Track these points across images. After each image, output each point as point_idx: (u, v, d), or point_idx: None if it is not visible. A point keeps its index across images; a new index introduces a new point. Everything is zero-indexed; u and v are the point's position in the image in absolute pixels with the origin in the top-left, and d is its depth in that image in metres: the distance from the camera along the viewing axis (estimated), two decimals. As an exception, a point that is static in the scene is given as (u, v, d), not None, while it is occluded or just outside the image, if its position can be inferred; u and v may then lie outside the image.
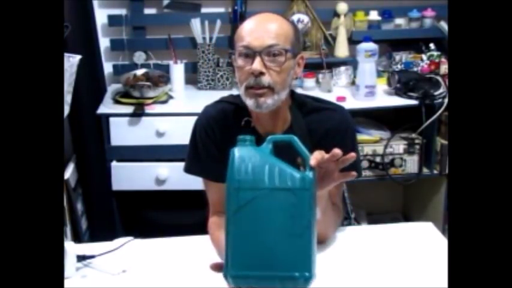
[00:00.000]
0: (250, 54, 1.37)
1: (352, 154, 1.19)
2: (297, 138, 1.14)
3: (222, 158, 1.51)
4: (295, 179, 1.10)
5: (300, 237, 1.09)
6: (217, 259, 1.30)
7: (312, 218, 1.10)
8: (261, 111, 1.42)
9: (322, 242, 1.46)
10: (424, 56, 2.69)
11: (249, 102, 1.41)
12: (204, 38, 2.64)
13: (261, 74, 1.37)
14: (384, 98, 2.54)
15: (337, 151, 1.17)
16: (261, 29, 1.39)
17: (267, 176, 1.10)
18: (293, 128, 1.48)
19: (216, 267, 1.17)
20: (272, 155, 1.13)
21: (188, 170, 1.57)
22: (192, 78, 2.71)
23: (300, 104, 1.52)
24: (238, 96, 1.50)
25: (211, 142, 1.51)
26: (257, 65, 1.36)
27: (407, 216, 2.98)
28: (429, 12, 2.71)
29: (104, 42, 2.70)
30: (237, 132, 1.49)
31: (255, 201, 1.09)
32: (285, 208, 1.09)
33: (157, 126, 2.37)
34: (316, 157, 1.13)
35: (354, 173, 1.23)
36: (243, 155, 1.12)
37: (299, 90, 2.42)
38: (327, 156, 1.16)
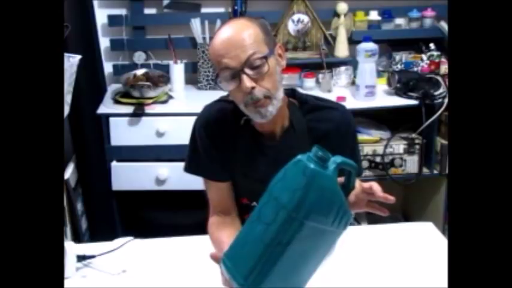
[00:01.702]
0: (234, 74, 1.36)
1: (392, 198, 1.18)
2: (356, 169, 1.12)
3: (221, 157, 1.51)
4: (349, 220, 1.09)
5: (320, 264, 1.11)
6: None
7: None
8: (268, 120, 1.41)
9: None
10: (424, 56, 2.69)
11: (254, 117, 1.41)
12: (204, 38, 2.64)
13: (252, 88, 1.35)
14: (384, 98, 2.54)
15: (377, 188, 1.17)
16: (231, 46, 1.35)
17: (335, 218, 1.06)
18: (293, 127, 1.48)
19: (216, 258, 1.17)
20: (337, 183, 1.08)
21: (188, 169, 1.57)
22: (192, 78, 2.70)
23: (301, 102, 1.52)
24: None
25: (211, 141, 1.51)
26: (246, 83, 1.34)
27: (407, 216, 2.98)
28: (429, 12, 2.71)
29: (104, 42, 2.70)
30: (236, 132, 1.50)
31: (313, 236, 1.05)
32: (330, 243, 1.10)
33: (157, 126, 2.37)
34: (357, 192, 1.14)
35: (386, 211, 1.22)
36: (321, 185, 1.04)
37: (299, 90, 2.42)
38: (365, 186, 1.16)
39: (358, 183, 1.16)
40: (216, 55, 1.38)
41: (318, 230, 1.06)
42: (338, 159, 1.08)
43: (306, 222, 1.03)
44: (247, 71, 1.35)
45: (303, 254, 1.07)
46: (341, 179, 1.12)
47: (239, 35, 1.36)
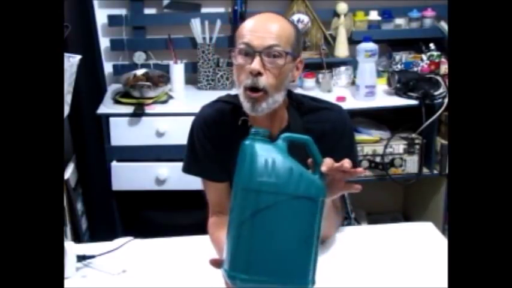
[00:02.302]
0: (250, 52, 1.36)
1: (361, 169, 1.19)
2: (312, 141, 1.12)
3: (219, 157, 1.51)
4: (316, 187, 1.09)
5: (310, 245, 1.10)
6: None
7: (322, 226, 1.11)
8: (257, 115, 1.41)
9: (323, 242, 1.46)
10: (424, 56, 2.69)
11: (246, 105, 1.40)
12: (204, 38, 2.64)
13: (259, 74, 1.36)
14: (384, 98, 2.54)
15: (347, 162, 1.16)
16: (262, 29, 1.37)
17: (289, 181, 1.06)
18: (290, 128, 1.48)
19: (215, 263, 1.17)
20: (289, 154, 1.10)
21: (186, 170, 1.57)
22: (192, 78, 2.71)
23: (298, 104, 1.52)
24: (235, 95, 1.49)
25: (209, 142, 1.51)
26: (256, 64, 1.35)
27: (407, 216, 2.98)
28: (429, 12, 2.71)
29: (104, 42, 2.70)
30: (234, 132, 1.50)
31: (275, 206, 1.06)
32: (303, 216, 1.08)
33: (157, 126, 2.37)
34: (327, 164, 1.12)
35: (359, 186, 1.21)
36: (263, 153, 1.07)
37: (299, 90, 2.42)
38: (336, 165, 1.15)
39: (330, 162, 1.15)
40: (244, 28, 1.39)
41: (280, 199, 1.06)
42: (285, 134, 1.12)
43: (259, 189, 1.05)
44: (264, 56, 1.36)
45: (280, 228, 1.06)
46: (310, 160, 1.13)
47: (276, 24, 1.39)
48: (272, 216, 1.06)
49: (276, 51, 1.36)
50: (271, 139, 1.12)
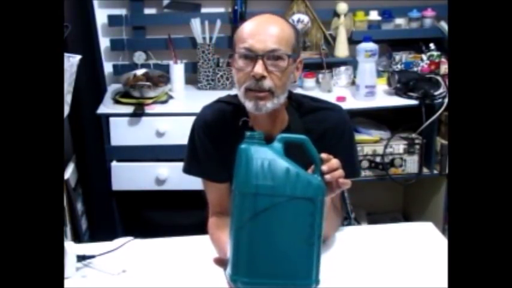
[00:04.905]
0: (252, 56, 1.36)
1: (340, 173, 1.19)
2: (309, 140, 1.13)
3: (220, 158, 1.51)
4: (314, 187, 1.09)
5: (311, 245, 1.10)
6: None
7: (322, 226, 1.11)
8: (260, 114, 1.41)
9: (323, 242, 1.46)
10: (424, 56, 2.69)
11: (248, 105, 1.40)
12: (204, 38, 2.64)
13: (263, 77, 1.36)
14: (384, 98, 2.54)
15: (336, 162, 1.17)
16: (263, 32, 1.37)
17: (286, 183, 1.07)
18: (291, 128, 1.48)
19: (220, 262, 1.17)
20: (285, 155, 1.11)
21: (187, 170, 1.57)
22: (192, 78, 2.70)
23: (298, 104, 1.52)
24: (236, 96, 1.49)
25: (209, 142, 1.51)
26: (259, 68, 1.35)
27: (407, 216, 2.98)
28: (429, 12, 2.71)
29: (104, 42, 2.70)
30: (235, 133, 1.50)
31: (272, 209, 1.07)
32: (302, 217, 1.09)
33: (157, 126, 2.37)
34: (329, 165, 1.14)
35: (349, 181, 1.21)
36: (259, 156, 1.08)
37: (299, 90, 2.42)
38: (333, 161, 1.16)
39: (335, 161, 1.16)
40: (244, 32, 1.39)
41: (277, 201, 1.07)
42: (281, 135, 1.13)
43: (256, 192, 1.06)
44: (266, 60, 1.35)
45: (280, 231, 1.07)
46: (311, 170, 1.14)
47: (276, 26, 1.38)
48: (270, 218, 1.07)
49: (278, 54, 1.36)
50: (271, 140, 1.13)
